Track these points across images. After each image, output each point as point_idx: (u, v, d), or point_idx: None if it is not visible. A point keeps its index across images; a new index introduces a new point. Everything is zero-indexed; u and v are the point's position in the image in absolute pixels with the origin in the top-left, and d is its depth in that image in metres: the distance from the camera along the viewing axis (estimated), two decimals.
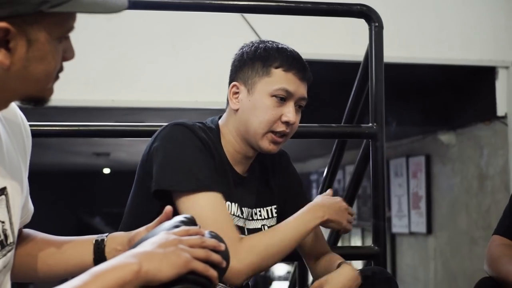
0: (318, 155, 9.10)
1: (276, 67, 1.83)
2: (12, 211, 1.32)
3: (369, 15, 2.37)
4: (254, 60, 1.84)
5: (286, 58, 1.84)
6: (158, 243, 1.18)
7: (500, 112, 4.91)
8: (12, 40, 1.15)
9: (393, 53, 4.15)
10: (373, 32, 2.37)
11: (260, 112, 1.82)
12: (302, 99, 1.87)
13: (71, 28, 1.22)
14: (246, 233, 1.88)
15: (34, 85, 1.22)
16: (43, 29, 1.17)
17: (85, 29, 3.78)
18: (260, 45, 1.87)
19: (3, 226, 1.30)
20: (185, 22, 4.23)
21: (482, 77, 4.98)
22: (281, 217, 1.94)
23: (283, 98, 1.82)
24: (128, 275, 1.11)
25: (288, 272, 9.45)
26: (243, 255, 1.70)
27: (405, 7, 4.60)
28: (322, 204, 1.87)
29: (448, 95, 5.48)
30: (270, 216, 1.96)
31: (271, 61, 1.83)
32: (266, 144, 1.84)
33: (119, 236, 1.51)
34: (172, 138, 1.76)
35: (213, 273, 1.19)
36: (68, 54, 1.25)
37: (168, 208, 1.39)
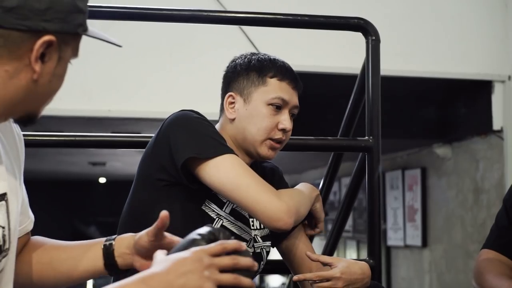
0: (314, 166, 9.10)
1: (271, 77, 1.89)
2: (10, 217, 1.32)
3: (366, 28, 2.38)
4: (249, 71, 1.90)
5: (280, 68, 1.90)
6: (183, 268, 1.13)
7: (496, 126, 4.92)
8: (48, 54, 1.21)
9: (390, 65, 4.16)
10: (370, 45, 2.37)
11: (258, 120, 1.87)
12: (295, 108, 1.93)
13: (78, 53, 1.30)
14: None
15: (45, 101, 1.27)
16: (70, 49, 1.25)
17: (82, 38, 3.77)
18: (253, 57, 1.93)
19: (3, 231, 1.29)
20: (183, 32, 4.24)
21: (478, 91, 4.99)
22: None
23: (279, 106, 1.88)
24: None
25: (283, 284, 9.43)
26: (286, 198, 1.78)
27: (402, 20, 4.61)
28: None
29: (444, 109, 5.48)
30: (263, 227, 1.96)
31: (266, 71, 1.89)
32: (265, 151, 1.89)
33: (125, 239, 1.49)
34: (184, 117, 1.81)
35: None
36: None
37: (164, 213, 1.36)
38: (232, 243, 1.18)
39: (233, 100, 1.91)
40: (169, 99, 4.25)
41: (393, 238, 7.05)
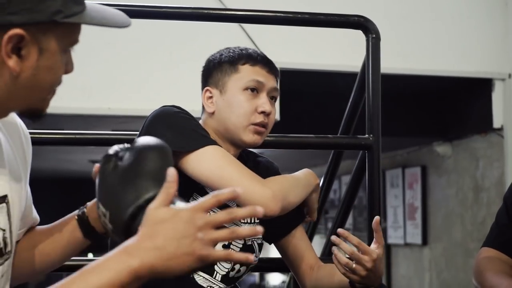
0: (314, 164, 9.10)
1: (243, 64, 1.90)
2: (12, 219, 1.31)
3: (366, 26, 2.38)
4: (221, 63, 1.92)
5: (251, 55, 1.92)
6: (173, 232, 1.08)
7: (496, 124, 4.92)
8: (25, 47, 1.16)
9: (390, 64, 4.16)
10: (370, 43, 2.37)
11: (236, 107, 1.87)
12: (274, 90, 1.92)
13: (77, 40, 1.25)
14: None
15: (38, 95, 1.23)
16: (54, 39, 1.19)
17: (83, 36, 3.77)
18: (224, 50, 1.96)
19: (3, 234, 1.29)
20: (183, 30, 4.24)
21: (478, 89, 4.99)
22: (268, 225, 1.91)
23: (254, 89, 1.88)
24: (123, 276, 1.07)
25: (283, 282, 9.43)
26: (272, 184, 1.78)
27: (402, 18, 4.61)
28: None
29: (445, 107, 5.49)
30: (254, 220, 1.94)
31: (237, 60, 1.90)
32: (250, 136, 1.88)
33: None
34: (164, 113, 1.83)
35: (239, 257, 1.10)
36: (68, 67, 1.27)
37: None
38: (226, 192, 1.11)
39: (210, 94, 1.92)
40: (169, 97, 4.21)
41: (393, 236, 7.05)
